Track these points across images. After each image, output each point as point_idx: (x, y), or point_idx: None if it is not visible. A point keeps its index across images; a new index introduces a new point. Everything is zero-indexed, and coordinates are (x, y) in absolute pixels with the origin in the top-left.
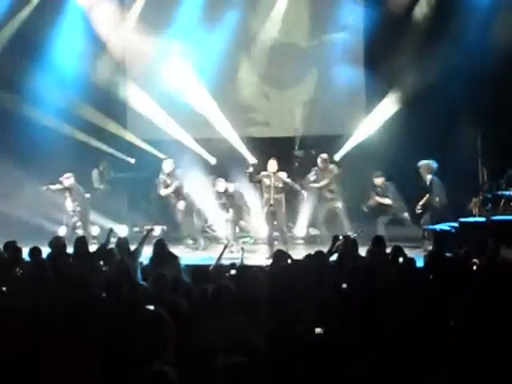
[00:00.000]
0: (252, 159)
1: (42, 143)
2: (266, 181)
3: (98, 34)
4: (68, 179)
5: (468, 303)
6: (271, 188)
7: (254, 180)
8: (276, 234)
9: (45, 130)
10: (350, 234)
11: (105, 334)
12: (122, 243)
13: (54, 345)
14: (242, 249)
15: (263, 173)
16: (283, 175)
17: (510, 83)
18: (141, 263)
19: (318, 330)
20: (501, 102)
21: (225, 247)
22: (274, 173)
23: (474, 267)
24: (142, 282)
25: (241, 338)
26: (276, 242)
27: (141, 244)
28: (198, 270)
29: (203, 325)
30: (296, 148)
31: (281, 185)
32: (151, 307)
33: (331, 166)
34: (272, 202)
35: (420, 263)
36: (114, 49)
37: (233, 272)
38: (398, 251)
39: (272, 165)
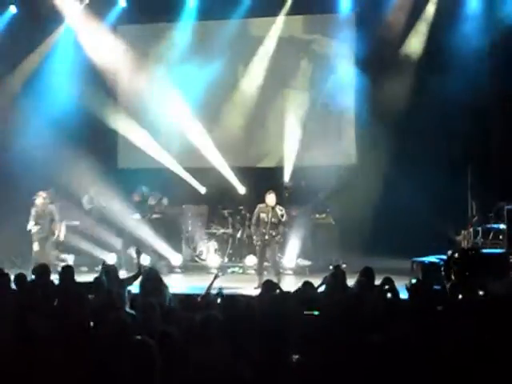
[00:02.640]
0: (242, 189)
1: (31, 170)
2: (263, 215)
3: (89, 62)
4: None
5: (452, 337)
6: (268, 223)
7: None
8: (267, 264)
9: (34, 157)
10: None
11: (92, 363)
12: (111, 271)
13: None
14: (216, 275)
15: (260, 205)
16: (280, 211)
17: (500, 116)
18: (129, 291)
19: (294, 357)
20: (490, 135)
21: (215, 277)
22: (272, 207)
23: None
24: (130, 311)
25: (228, 368)
26: (265, 273)
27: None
28: (186, 299)
29: (191, 354)
30: (286, 179)
31: (277, 221)
32: (138, 337)
33: None
34: (267, 237)
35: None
36: (105, 77)
37: (218, 301)
38: (388, 282)
39: (271, 199)
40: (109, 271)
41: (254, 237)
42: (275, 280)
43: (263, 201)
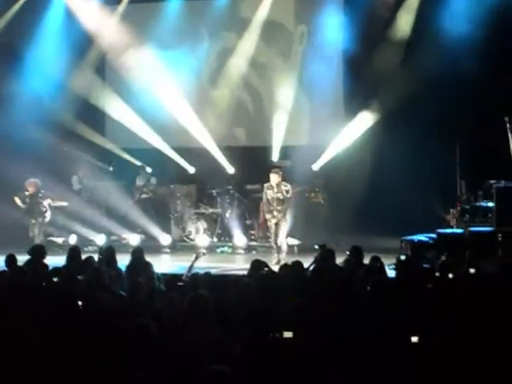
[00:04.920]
0: (231, 169)
1: (19, 150)
2: (269, 192)
3: (78, 40)
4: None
5: (443, 314)
6: (274, 199)
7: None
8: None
9: (22, 137)
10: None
11: (86, 343)
12: (106, 253)
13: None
14: (197, 254)
15: (266, 184)
16: (285, 187)
17: (489, 94)
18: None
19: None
20: (479, 113)
21: (196, 257)
22: (277, 184)
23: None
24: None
25: (219, 347)
26: (254, 252)
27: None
28: (173, 279)
29: (180, 333)
30: (274, 158)
31: (281, 196)
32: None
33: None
34: (275, 213)
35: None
36: (94, 56)
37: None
38: (375, 261)
39: (273, 177)
40: (104, 252)
41: (266, 215)
42: (278, 258)
43: (252, 180)
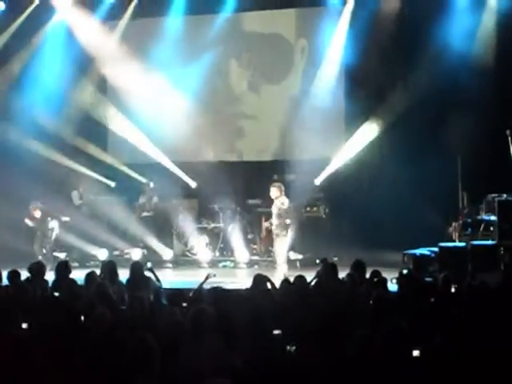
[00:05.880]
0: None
1: (20, 164)
2: (272, 207)
3: (80, 55)
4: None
5: (445, 328)
6: (272, 215)
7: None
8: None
9: (23, 152)
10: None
11: (87, 358)
12: (108, 268)
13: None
14: (208, 275)
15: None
16: (279, 203)
17: (491, 108)
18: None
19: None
20: (481, 126)
21: (206, 278)
22: (276, 198)
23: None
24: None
25: (221, 361)
26: (256, 266)
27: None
28: (175, 294)
29: (185, 348)
30: (276, 172)
31: (278, 211)
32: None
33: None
34: (273, 227)
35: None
36: (95, 71)
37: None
38: (376, 276)
39: (271, 191)
40: (105, 267)
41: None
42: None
43: (254, 195)
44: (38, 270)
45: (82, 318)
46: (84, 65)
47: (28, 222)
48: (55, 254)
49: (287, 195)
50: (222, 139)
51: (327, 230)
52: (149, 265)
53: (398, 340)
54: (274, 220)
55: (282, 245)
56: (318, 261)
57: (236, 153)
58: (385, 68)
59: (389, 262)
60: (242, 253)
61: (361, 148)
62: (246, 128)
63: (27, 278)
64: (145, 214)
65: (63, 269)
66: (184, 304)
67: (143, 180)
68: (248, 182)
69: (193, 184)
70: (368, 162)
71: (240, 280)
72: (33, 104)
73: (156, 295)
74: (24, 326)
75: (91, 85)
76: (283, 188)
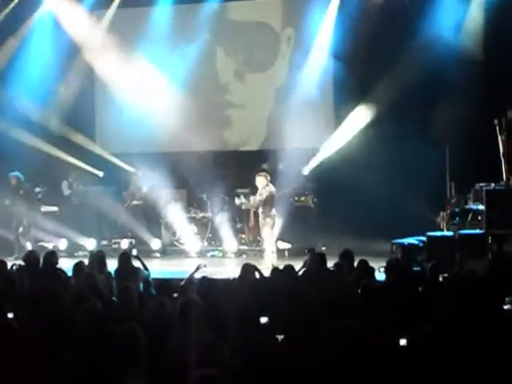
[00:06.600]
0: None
1: (8, 154)
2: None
3: (67, 45)
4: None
5: (433, 316)
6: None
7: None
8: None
9: (11, 141)
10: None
11: (76, 349)
12: (97, 257)
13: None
14: (198, 266)
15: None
16: (266, 191)
17: (479, 98)
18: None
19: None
20: (469, 116)
21: (197, 268)
22: (262, 187)
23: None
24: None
25: (209, 351)
26: (244, 256)
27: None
28: (163, 284)
29: (173, 339)
30: (263, 162)
31: (260, 199)
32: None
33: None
34: (259, 216)
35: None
36: (83, 60)
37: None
38: (363, 265)
39: (257, 181)
40: (94, 257)
41: None
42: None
43: (242, 184)
44: (34, 260)
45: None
46: (71, 55)
47: (6, 201)
48: (43, 244)
49: (275, 185)
50: (209, 128)
51: (315, 219)
52: (134, 252)
53: (386, 329)
54: (260, 209)
55: (269, 234)
56: (306, 250)
57: (224, 142)
58: (373, 57)
59: (377, 252)
60: (230, 242)
61: (349, 137)
62: (233, 117)
63: (19, 267)
64: (134, 202)
65: (51, 259)
66: (173, 294)
67: (130, 169)
68: (236, 172)
69: (181, 174)
70: (356, 151)
71: (228, 269)
72: (20, 94)
73: (145, 285)
74: (10, 315)
75: (79, 75)
76: (269, 177)
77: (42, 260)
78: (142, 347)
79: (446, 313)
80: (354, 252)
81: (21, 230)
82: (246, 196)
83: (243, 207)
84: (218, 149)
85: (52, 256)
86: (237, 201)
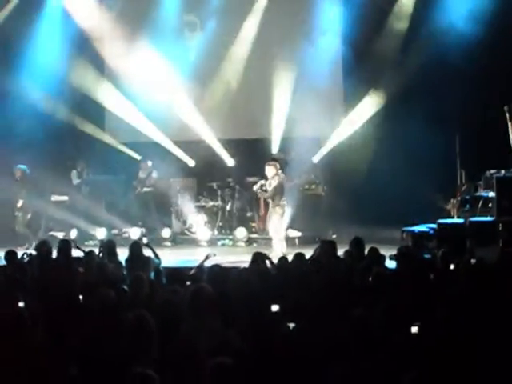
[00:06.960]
0: (231, 161)
1: (18, 144)
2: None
3: (76, 34)
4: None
5: (444, 304)
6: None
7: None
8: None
9: (21, 131)
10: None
11: (86, 337)
12: (107, 247)
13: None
14: (208, 255)
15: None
16: (275, 181)
17: (489, 85)
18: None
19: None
20: (479, 103)
21: (206, 257)
22: (272, 177)
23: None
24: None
25: (221, 340)
26: (255, 244)
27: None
28: (174, 272)
29: (184, 327)
30: (274, 150)
31: (269, 188)
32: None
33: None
34: (269, 205)
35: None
36: (92, 50)
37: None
38: (373, 252)
39: (267, 170)
40: (104, 246)
41: None
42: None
43: (252, 172)
44: (46, 249)
45: (81, 297)
46: (81, 44)
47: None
48: (53, 233)
49: (285, 173)
50: (219, 117)
51: (326, 207)
52: (145, 240)
53: (397, 316)
54: (270, 198)
55: (278, 222)
56: (317, 239)
57: (234, 130)
58: (384, 43)
59: (387, 239)
60: (240, 231)
61: (359, 125)
62: (242, 106)
63: (30, 257)
64: (145, 189)
65: (64, 248)
66: (185, 283)
67: (138, 157)
68: (246, 160)
69: (191, 162)
70: (366, 139)
71: (239, 258)
72: (29, 84)
73: (156, 273)
74: (21, 304)
75: (88, 64)
76: (278, 166)
77: (54, 249)
78: (152, 335)
79: (457, 301)
80: (364, 240)
81: (29, 218)
82: (263, 186)
83: (259, 196)
84: (228, 137)
85: (67, 244)
86: (255, 187)
